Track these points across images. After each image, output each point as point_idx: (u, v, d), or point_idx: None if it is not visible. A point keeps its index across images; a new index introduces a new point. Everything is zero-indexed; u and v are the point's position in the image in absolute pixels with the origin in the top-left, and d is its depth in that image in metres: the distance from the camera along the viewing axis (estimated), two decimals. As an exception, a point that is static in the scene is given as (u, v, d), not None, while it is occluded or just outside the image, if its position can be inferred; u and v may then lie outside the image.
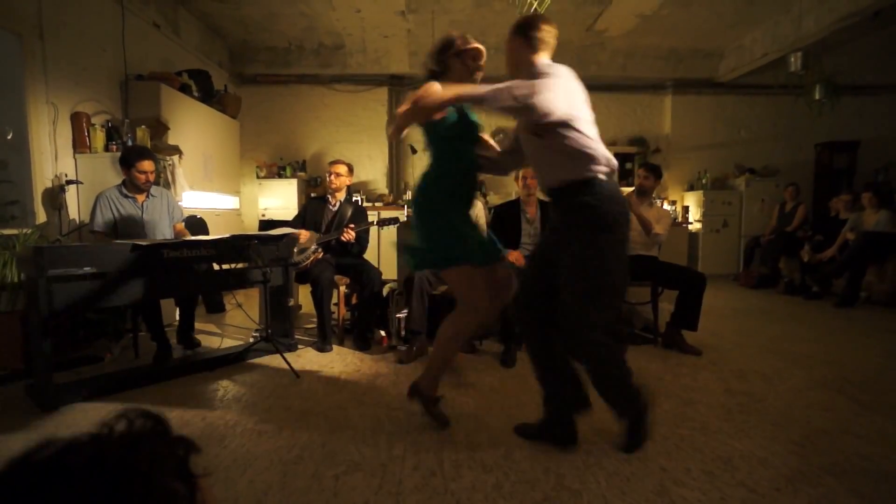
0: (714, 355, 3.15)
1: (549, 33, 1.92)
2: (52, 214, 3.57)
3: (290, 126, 6.80)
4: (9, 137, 3.52)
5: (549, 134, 1.80)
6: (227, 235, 2.95)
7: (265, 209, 6.30)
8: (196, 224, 4.08)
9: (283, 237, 3.13)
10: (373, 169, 6.90)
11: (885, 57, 6.44)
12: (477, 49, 2.05)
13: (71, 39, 3.72)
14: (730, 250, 6.79)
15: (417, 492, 1.64)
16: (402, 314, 3.37)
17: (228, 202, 5.48)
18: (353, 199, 5.85)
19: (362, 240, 3.56)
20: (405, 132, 1.93)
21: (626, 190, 4.72)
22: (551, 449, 1.93)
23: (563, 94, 1.75)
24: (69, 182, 3.64)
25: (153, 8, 4.65)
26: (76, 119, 3.72)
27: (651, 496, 1.61)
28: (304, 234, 3.42)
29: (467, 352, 3.20)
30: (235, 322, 4.10)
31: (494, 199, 6.31)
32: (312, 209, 3.64)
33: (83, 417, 2.25)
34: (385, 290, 3.52)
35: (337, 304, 3.56)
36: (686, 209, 6.95)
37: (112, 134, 3.86)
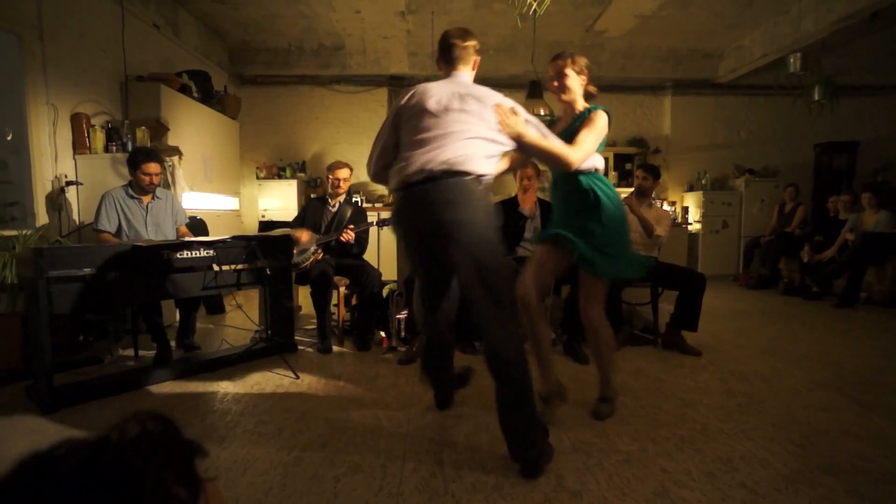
0: (714, 356, 3.16)
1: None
2: (52, 215, 3.57)
3: (290, 127, 6.80)
4: (9, 138, 3.53)
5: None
6: (227, 237, 2.95)
7: (265, 210, 6.30)
8: (196, 225, 4.08)
9: (282, 238, 3.13)
10: (373, 170, 6.89)
11: (883, 58, 6.44)
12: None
13: (71, 40, 3.72)
14: (729, 251, 6.79)
15: (417, 493, 1.64)
16: (402, 315, 3.37)
17: (228, 203, 5.48)
18: (353, 199, 5.85)
19: (362, 241, 3.56)
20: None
21: (627, 190, 4.72)
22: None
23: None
24: (69, 183, 3.64)
25: (153, 9, 4.65)
26: (76, 120, 3.72)
27: (651, 497, 1.61)
28: (304, 235, 3.41)
29: (467, 352, 3.20)
30: (235, 323, 4.10)
31: (493, 199, 6.31)
32: (312, 210, 3.64)
33: (83, 419, 2.25)
34: (385, 291, 3.53)
35: (337, 305, 3.56)
36: (686, 210, 6.96)
37: (112, 135, 3.86)
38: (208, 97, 5.11)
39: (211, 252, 2.85)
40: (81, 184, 3.73)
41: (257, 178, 6.44)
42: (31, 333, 2.51)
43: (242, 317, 3.87)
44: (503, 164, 2.28)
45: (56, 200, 3.59)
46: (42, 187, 3.52)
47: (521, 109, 1.91)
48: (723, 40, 6.25)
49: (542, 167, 3.45)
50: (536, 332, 2.17)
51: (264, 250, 3.01)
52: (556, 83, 2.17)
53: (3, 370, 2.74)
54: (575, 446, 1.95)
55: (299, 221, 3.64)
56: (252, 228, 5.56)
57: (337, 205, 3.62)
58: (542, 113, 4.94)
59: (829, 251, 5.12)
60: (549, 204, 3.70)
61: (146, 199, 3.15)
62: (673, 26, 5.76)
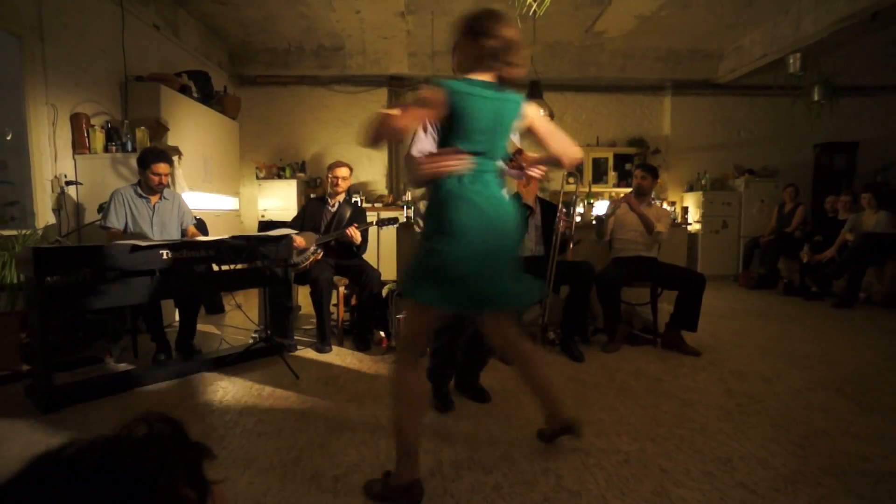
0: (713, 356, 3.16)
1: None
2: (51, 215, 3.57)
3: (290, 127, 6.80)
4: (8, 138, 3.53)
5: None
6: (227, 236, 2.95)
7: (265, 210, 6.30)
8: (196, 225, 4.07)
9: (282, 238, 3.13)
10: (372, 170, 6.90)
11: (883, 58, 6.45)
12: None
13: (71, 41, 3.72)
14: (729, 251, 6.79)
15: (417, 493, 1.64)
16: (402, 315, 3.37)
17: (228, 203, 5.48)
18: (353, 199, 5.85)
19: (362, 241, 3.56)
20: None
21: (626, 190, 4.73)
22: (550, 449, 1.93)
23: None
24: (69, 183, 3.64)
25: (153, 9, 4.65)
26: (76, 120, 3.72)
27: (650, 497, 1.61)
28: (299, 240, 3.38)
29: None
30: (235, 323, 4.10)
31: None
32: (311, 210, 3.64)
33: (83, 419, 2.25)
34: (384, 291, 3.52)
35: (336, 305, 3.56)
36: (685, 210, 6.96)
37: (112, 135, 3.86)
38: (208, 97, 5.11)
39: (210, 252, 2.85)
40: (81, 184, 3.73)
41: (257, 178, 6.45)
42: (30, 333, 2.51)
43: (242, 317, 3.86)
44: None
45: (55, 200, 3.59)
46: (41, 187, 3.52)
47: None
48: (722, 40, 6.26)
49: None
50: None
51: (264, 250, 3.01)
52: None
53: (3, 370, 2.74)
54: (574, 446, 1.95)
55: (299, 221, 3.64)
56: (252, 228, 5.55)
57: (336, 205, 3.62)
58: (541, 113, 4.93)
59: (828, 251, 5.12)
60: (551, 204, 3.69)
61: (154, 199, 3.18)
62: (673, 27, 5.76)
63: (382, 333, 3.39)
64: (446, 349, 2.24)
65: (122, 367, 2.97)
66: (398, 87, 6.83)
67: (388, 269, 4.10)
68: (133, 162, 3.79)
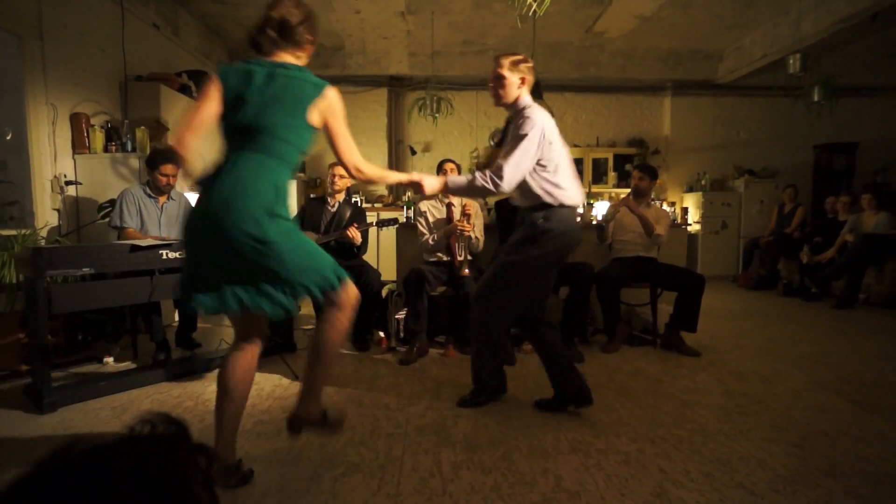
0: (713, 356, 3.16)
1: (531, 70, 2.25)
2: (51, 215, 3.57)
3: (290, 127, 6.79)
4: (8, 138, 3.53)
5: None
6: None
7: (264, 210, 6.28)
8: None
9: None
10: (372, 170, 6.89)
11: (883, 59, 6.45)
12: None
13: (70, 40, 3.71)
14: (729, 252, 6.79)
15: (416, 493, 1.64)
16: (401, 315, 3.37)
17: (228, 203, 5.47)
18: (353, 200, 5.84)
19: (362, 241, 3.56)
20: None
21: (626, 191, 4.72)
22: (550, 450, 1.93)
23: (532, 149, 2.09)
24: (68, 182, 3.64)
25: (153, 9, 4.65)
26: (75, 120, 3.72)
27: (650, 497, 1.61)
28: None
29: (467, 353, 3.20)
30: (234, 323, 4.09)
31: (493, 200, 6.31)
32: (311, 210, 3.64)
33: (82, 418, 2.25)
34: (384, 292, 3.52)
35: (336, 305, 3.55)
36: (685, 210, 6.95)
37: (111, 135, 3.86)
38: (208, 97, 5.10)
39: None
40: (81, 183, 3.72)
41: (257, 178, 6.43)
42: (29, 333, 2.51)
43: (241, 317, 3.86)
44: None
45: (55, 200, 3.59)
46: (41, 187, 3.52)
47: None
48: (722, 41, 6.26)
49: None
50: None
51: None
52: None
53: (2, 369, 2.73)
54: (573, 447, 1.95)
55: (298, 221, 3.64)
56: (251, 228, 5.55)
57: (336, 205, 3.62)
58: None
59: (828, 252, 5.12)
60: None
61: (162, 199, 3.21)
62: (673, 27, 5.76)
63: (382, 334, 3.40)
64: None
65: (122, 367, 2.97)
66: (398, 87, 6.83)
67: (387, 270, 4.10)
68: (133, 162, 3.80)
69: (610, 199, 6.27)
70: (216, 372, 2.81)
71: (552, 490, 1.66)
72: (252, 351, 1.71)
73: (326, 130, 1.68)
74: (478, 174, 2.12)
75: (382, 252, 5.39)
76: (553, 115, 2.29)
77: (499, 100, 2.23)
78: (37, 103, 3.45)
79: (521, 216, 2.27)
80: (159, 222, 3.18)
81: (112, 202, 3.48)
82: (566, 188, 2.16)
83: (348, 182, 3.63)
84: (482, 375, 2.36)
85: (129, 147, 3.84)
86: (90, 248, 2.54)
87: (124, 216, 3.06)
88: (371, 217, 3.72)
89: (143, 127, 3.91)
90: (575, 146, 6.67)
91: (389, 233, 4.26)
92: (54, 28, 3.55)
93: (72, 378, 2.70)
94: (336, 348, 1.76)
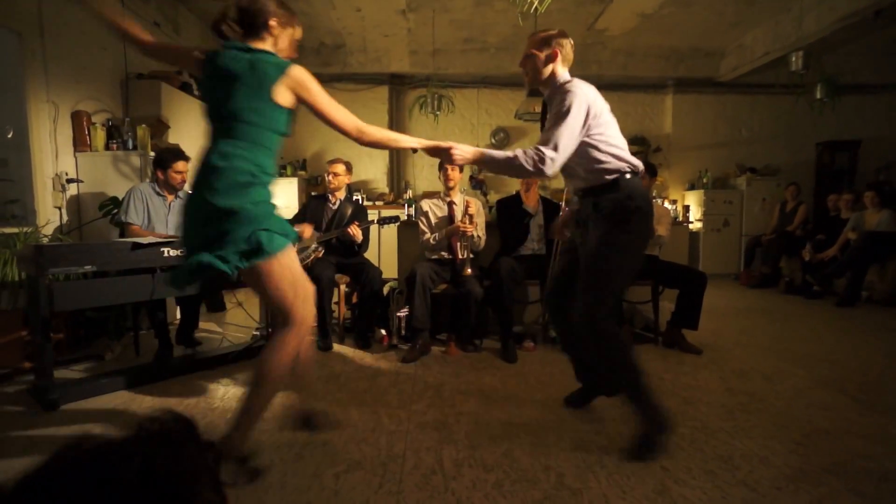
0: (715, 354, 3.15)
1: (569, 46, 2.02)
2: (52, 213, 3.57)
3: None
4: (9, 136, 3.53)
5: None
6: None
7: (266, 208, 6.28)
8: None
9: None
10: (373, 168, 6.89)
11: (886, 56, 6.43)
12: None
13: (71, 38, 3.71)
14: (731, 250, 6.78)
15: (418, 490, 1.64)
16: (403, 313, 3.37)
17: (229, 201, 5.47)
18: (354, 197, 5.84)
19: (363, 239, 3.56)
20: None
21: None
22: (552, 447, 1.93)
23: (577, 126, 1.83)
24: (70, 181, 3.64)
25: (153, 6, 4.64)
26: (77, 118, 3.72)
27: (652, 495, 1.61)
28: (306, 230, 3.38)
29: (468, 351, 3.20)
30: (236, 321, 4.10)
31: (494, 198, 6.31)
32: (313, 208, 3.64)
33: (84, 416, 2.25)
34: (385, 289, 3.52)
35: (337, 303, 3.56)
36: (687, 208, 6.94)
37: (113, 133, 3.86)
38: (209, 95, 5.10)
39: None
40: (82, 181, 3.73)
41: (258, 176, 6.43)
42: (32, 330, 2.51)
43: (243, 314, 3.86)
44: None
45: (56, 198, 3.59)
46: (43, 185, 3.52)
47: None
48: (724, 38, 6.24)
49: None
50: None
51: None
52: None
53: (5, 367, 2.74)
54: (575, 444, 1.95)
55: (300, 219, 3.63)
56: (253, 226, 5.55)
57: (337, 203, 3.62)
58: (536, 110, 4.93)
59: (830, 250, 5.11)
60: (552, 202, 3.69)
61: (170, 197, 3.22)
62: (674, 24, 5.74)
63: (383, 331, 3.40)
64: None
65: (124, 364, 2.97)
66: (399, 84, 6.82)
67: (389, 268, 4.10)
68: (134, 159, 3.80)
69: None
70: (218, 369, 2.84)
71: (554, 487, 1.66)
72: (287, 334, 1.68)
73: (309, 107, 1.67)
74: (520, 152, 1.83)
75: (384, 250, 5.38)
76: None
77: (530, 81, 2.03)
78: (38, 101, 3.45)
79: (587, 207, 1.97)
80: (167, 221, 3.19)
81: (113, 200, 3.49)
82: (630, 158, 1.92)
83: (345, 180, 3.62)
84: (648, 408, 1.88)
85: (131, 145, 3.84)
86: (92, 246, 2.54)
87: (130, 212, 3.07)
88: (372, 215, 3.72)
89: (144, 125, 3.91)
90: (576, 144, 6.65)
91: (391, 230, 4.26)
92: (55, 25, 3.55)
93: (74, 375, 2.70)
94: (277, 376, 1.66)
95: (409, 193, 6.64)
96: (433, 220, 3.44)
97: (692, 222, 6.81)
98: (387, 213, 4.32)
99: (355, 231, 3.39)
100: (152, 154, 3.69)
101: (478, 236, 3.34)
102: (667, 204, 6.53)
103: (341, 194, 3.65)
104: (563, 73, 2.00)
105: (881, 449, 1.91)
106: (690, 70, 6.69)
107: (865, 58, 6.43)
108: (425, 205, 3.49)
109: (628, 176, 1.91)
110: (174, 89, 4.38)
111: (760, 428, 2.10)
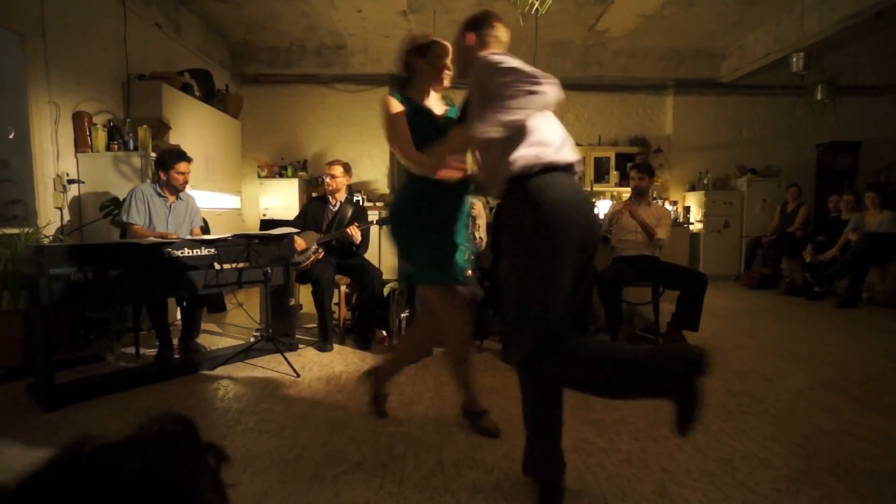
0: (715, 356, 3.13)
1: (503, 32, 1.78)
2: (53, 214, 3.58)
3: (292, 126, 6.80)
4: (11, 137, 3.53)
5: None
6: (229, 235, 2.96)
7: (266, 209, 6.30)
8: (202, 228, 4.08)
9: (283, 237, 3.13)
10: (374, 168, 6.90)
11: (887, 57, 6.42)
12: (440, 45, 1.91)
13: (73, 39, 3.72)
14: (731, 251, 6.78)
15: (418, 492, 1.64)
16: (404, 314, 3.37)
17: (230, 202, 5.48)
18: (354, 199, 5.85)
19: (364, 240, 3.56)
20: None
21: (627, 190, 4.70)
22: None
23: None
24: (71, 181, 3.65)
25: (155, 7, 4.65)
26: (78, 118, 3.73)
27: (652, 497, 1.61)
28: (301, 243, 3.39)
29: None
30: (236, 322, 4.10)
31: (495, 200, 6.31)
32: (313, 209, 3.64)
33: (84, 417, 2.25)
34: (386, 290, 3.52)
35: (338, 304, 3.56)
36: (687, 209, 6.94)
37: (114, 133, 3.86)
38: (210, 96, 5.11)
39: (212, 250, 2.85)
40: (83, 182, 3.73)
41: (259, 176, 6.45)
42: (32, 331, 2.52)
43: (243, 315, 3.87)
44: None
45: (58, 199, 3.59)
46: (44, 185, 3.53)
47: None
48: (725, 39, 6.24)
49: None
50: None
51: (265, 249, 3.02)
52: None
53: (5, 368, 2.74)
54: (576, 445, 1.95)
55: (300, 220, 3.64)
56: (253, 227, 5.56)
57: (338, 204, 3.62)
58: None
59: (831, 251, 5.11)
60: None
61: (171, 198, 3.22)
62: (675, 25, 5.75)
63: (384, 332, 3.40)
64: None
65: (124, 365, 2.97)
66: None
67: (389, 269, 4.10)
68: (135, 160, 3.81)
69: (612, 198, 6.26)
70: (218, 370, 2.84)
71: (554, 489, 1.65)
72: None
73: None
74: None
75: (384, 250, 5.38)
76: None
77: (456, 78, 1.89)
78: (39, 102, 3.46)
79: (503, 207, 1.68)
80: (167, 221, 3.19)
81: (114, 201, 3.50)
82: (551, 144, 1.64)
83: (344, 181, 3.62)
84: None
85: (132, 146, 3.84)
86: (92, 247, 2.54)
87: (132, 213, 3.08)
88: (373, 216, 3.72)
89: (145, 126, 3.91)
90: (577, 145, 6.63)
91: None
92: (57, 27, 3.56)
93: (74, 376, 2.70)
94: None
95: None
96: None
97: (693, 223, 6.81)
98: (387, 214, 4.32)
99: (354, 232, 3.39)
100: (153, 155, 3.70)
101: (480, 238, 3.34)
102: (667, 205, 6.54)
103: (341, 196, 3.65)
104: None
105: (882, 450, 1.91)
106: (691, 71, 6.69)
107: (867, 59, 6.43)
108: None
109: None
110: (175, 90, 4.39)
111: (761, 429, 2.10)
